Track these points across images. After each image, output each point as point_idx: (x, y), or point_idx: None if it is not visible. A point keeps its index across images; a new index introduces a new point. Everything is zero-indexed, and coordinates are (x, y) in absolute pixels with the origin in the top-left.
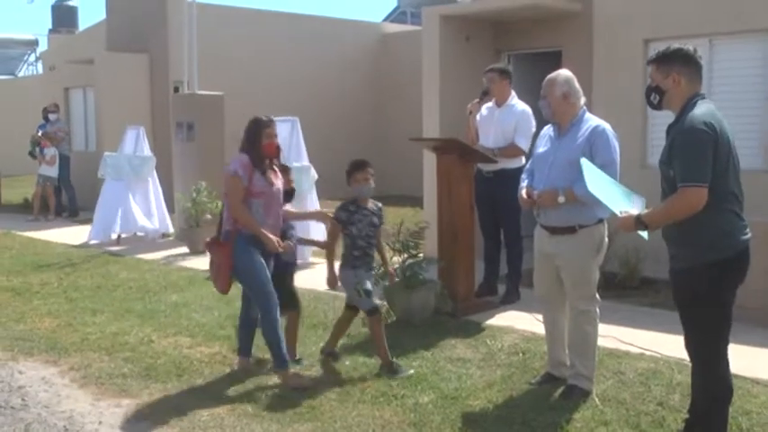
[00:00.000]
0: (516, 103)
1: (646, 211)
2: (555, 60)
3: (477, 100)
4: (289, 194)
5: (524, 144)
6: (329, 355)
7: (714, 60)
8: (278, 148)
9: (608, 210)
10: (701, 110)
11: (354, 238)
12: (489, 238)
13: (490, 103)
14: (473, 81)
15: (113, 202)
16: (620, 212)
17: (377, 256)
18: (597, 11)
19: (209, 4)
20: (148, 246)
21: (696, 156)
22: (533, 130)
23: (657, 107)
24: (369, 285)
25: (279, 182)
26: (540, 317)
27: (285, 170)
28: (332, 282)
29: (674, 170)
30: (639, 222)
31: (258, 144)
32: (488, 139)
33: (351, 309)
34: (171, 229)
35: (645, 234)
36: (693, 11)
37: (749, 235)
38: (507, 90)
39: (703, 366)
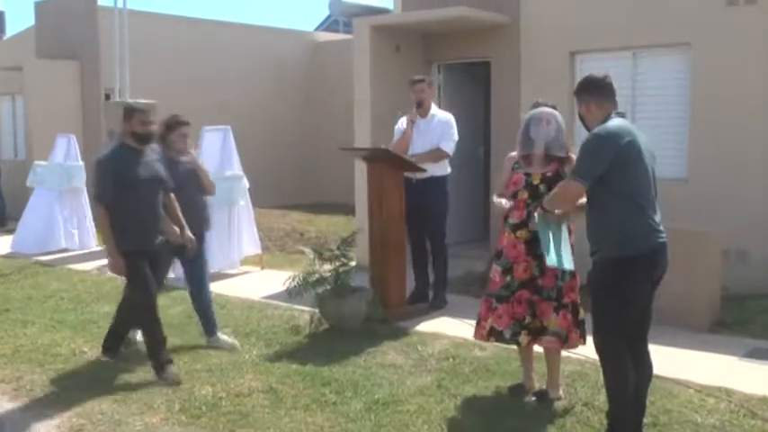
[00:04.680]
0: (437, 112)
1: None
2: (484, 71)
3: (414, 110)
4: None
5: (448, 148)
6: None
7: (637, 72)
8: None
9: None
10: (611, 123)
11: None
12: (417, 246)
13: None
14: (404, 91)
15: (41, 212)
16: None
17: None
18: (524, 23)
19: (141, 12)
20: (80, 256)
21: (587, 155)
22: (456, 136)
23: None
24: None
25: None
26: (471, 321)
27: None
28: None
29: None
30: (542, 207)
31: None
32: (415, 150)
33: None
34: (95, 247)
35: (565, 265)
36: (617, 24)
37: (663, 238)
38: (431, 101)
39: (604, 359)
